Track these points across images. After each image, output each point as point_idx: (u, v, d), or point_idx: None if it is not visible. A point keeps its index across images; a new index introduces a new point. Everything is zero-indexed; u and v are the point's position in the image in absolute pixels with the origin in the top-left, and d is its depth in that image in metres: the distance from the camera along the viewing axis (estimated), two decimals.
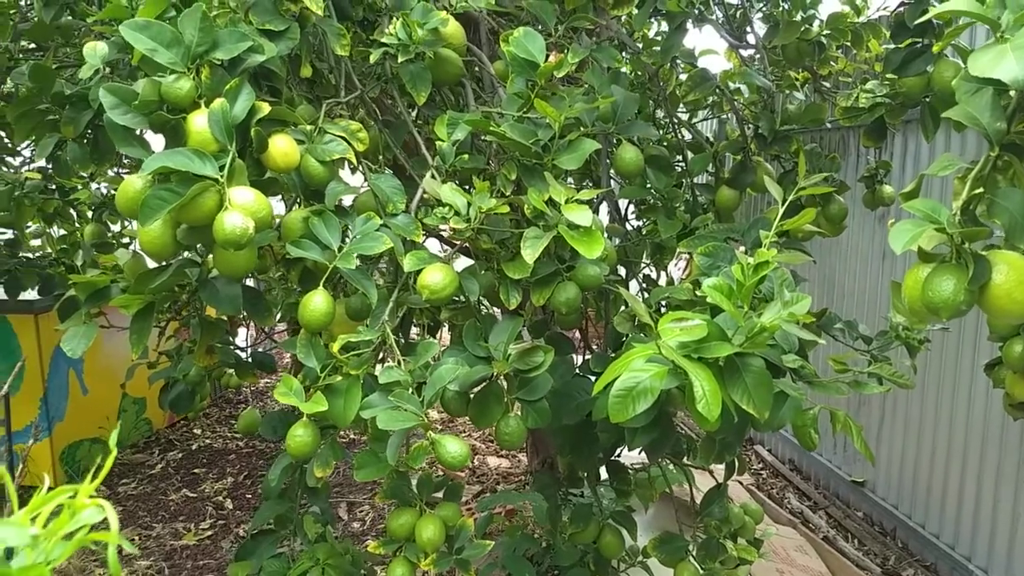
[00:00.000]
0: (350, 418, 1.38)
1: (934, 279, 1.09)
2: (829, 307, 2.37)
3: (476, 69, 2.00)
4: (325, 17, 1.57)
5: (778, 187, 1.49)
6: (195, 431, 5.33)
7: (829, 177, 2.20)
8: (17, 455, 4.25)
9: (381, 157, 1.76)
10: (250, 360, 2.42)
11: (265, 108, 1.36)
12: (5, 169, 3.31)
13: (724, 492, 2.09)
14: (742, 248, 1.68)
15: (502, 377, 1.48)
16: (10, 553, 0.51)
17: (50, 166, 2.49)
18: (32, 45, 2.78)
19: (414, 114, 2.33)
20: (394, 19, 1.57)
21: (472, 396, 1.50)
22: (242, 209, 1.30)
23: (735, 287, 1.22)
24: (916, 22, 1.78)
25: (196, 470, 4.74)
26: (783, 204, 1.44)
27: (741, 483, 4.41)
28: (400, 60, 1.49)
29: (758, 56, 2.55)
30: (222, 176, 1.29)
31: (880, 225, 4.00)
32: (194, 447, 5.08)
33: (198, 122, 1.30)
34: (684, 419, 4.11)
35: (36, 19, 2.34)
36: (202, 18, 1.30)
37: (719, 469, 2.25)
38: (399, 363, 1.43)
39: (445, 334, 2.35)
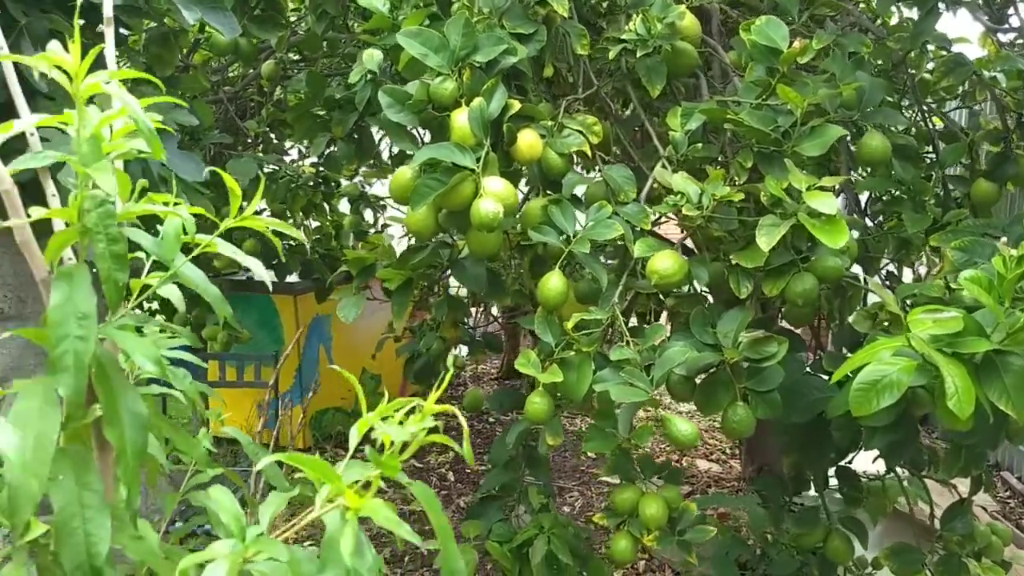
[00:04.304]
0: (582, 391, 1.48)
1: None
2: None
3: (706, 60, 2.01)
4: (567, 19, 1.67)
5: None
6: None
7: None
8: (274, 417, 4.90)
9: (616, 149, 1.84)
10: (480, 340, 2.63)
11: (516, 106, 1.49)
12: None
13: (968, 507, 1.93)
14: (1003, 239, 1.54)
15: (729, 366, 1.49)
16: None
17: (320, 162, 2.88)
18: (295, 56, 3.20)
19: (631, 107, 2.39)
20: (633, 16, 1.64)
21: (699, 383, 1.53)
22: (494, 196, 1.44)
23: (995, 280, 1.14)
24: None
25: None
26: None
27: (985, 509, 3.96)
28: (639, 55, 1.55)
29: (1020, 40, 2.29)
30: (478, 167, 1.44)
31: None
32: None
33: (460, 119, 1.46)
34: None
35: (308, 31, 2.67)
36: (465, 24, 1.46)
37: (961, 486, 2.07)
38: (627, 343, 1.50)
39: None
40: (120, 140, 0.77)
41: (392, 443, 0.69)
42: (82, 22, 0.85)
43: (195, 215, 0.82)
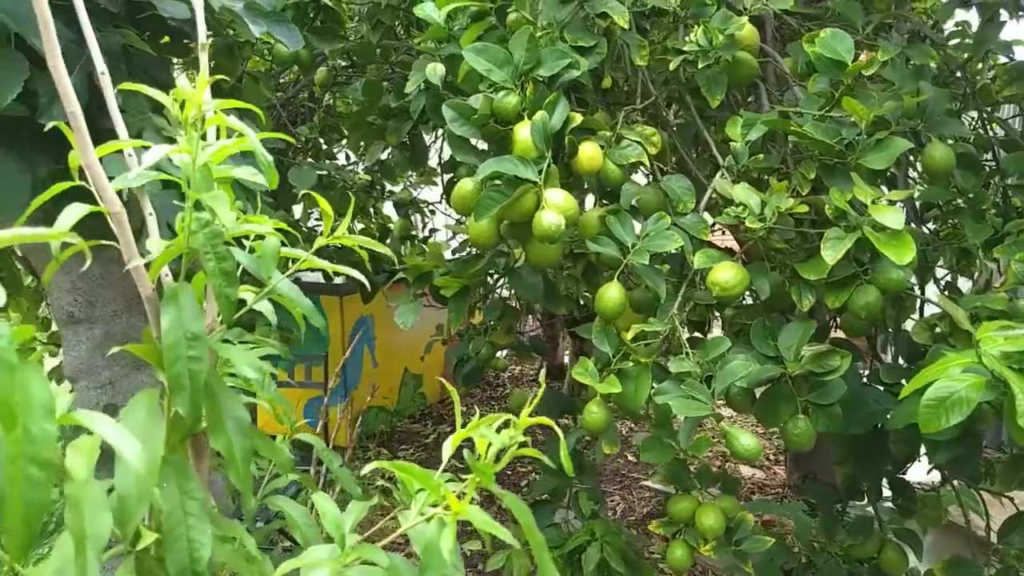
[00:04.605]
0: (640, 401, 1.49)
1: None
2: None
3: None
4: (627, 31, 1.69)
5: None
6: (461, 408, 5.86)
7: None
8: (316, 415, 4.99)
9: (675, 159, 1.84)
10: (527, 344, 2.66)
11: (578, 118, 1.51)
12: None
13: None
14: None
15: (790, 378, 1.50)
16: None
17: (374, 168, 2.92)
18: (343, 62, 3.25)
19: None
20: (693, 26, 1.65)
21: (759, 394, 1.53)
22: (555, 208, 1.46)
23: None
24: None
25: (463, 444, 5.21)
26: None
27: None
28: (700, 66, 1.56)
29: None
30: (540, 179, 1.46)
31: None
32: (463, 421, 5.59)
33: (522, 132, 1.49)
34: None
35: (363, 40, 2.72)
36: (529, 39, 1.48)
37: (1019, 499, 2.03)
38: (687, 355, 1.51)
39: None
40: (222, 166, 0.81)
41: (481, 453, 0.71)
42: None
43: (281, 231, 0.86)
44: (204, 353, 0.77)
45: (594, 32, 1.61)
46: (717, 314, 1.96)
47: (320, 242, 0.87)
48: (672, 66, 1.60)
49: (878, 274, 1.49)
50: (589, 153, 1.54)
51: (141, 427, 0.77)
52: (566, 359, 6.04)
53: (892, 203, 1.35)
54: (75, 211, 0.81)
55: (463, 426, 0.82)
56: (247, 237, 0.90)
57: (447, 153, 2.89)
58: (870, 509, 2.17)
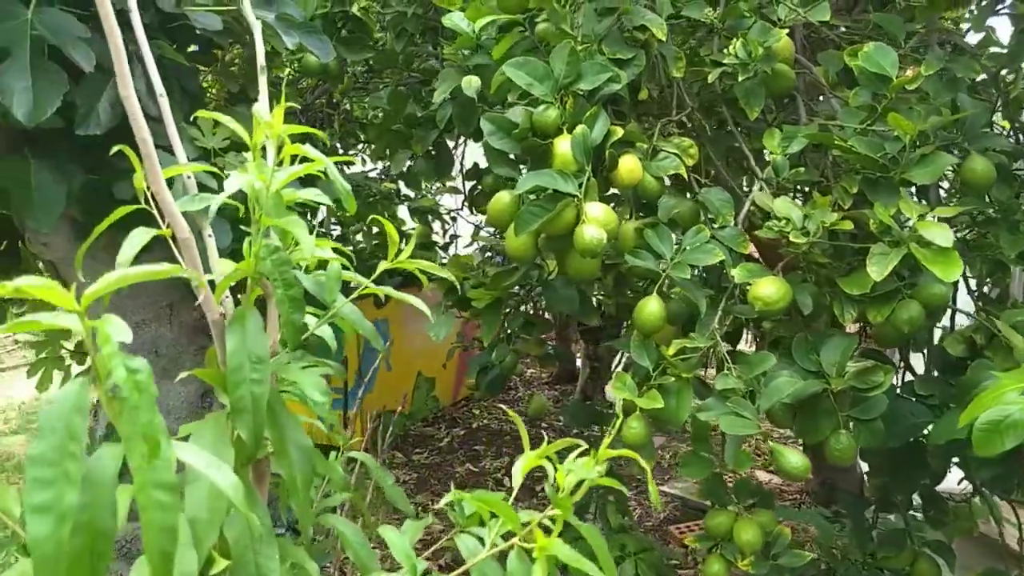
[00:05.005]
0: (683, 417, 1.48)
1: None
2: None
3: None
4: (663, 43, 1.68)
5: None
6: (474, 411, 5.85)
7: None
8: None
9: (707, 171, 1.84)
10: (552, 352, 2.66)
11: (619, 132, 1.50)
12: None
13: None
14: None
15: (832, 394, 1.48)
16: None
17: (397, 176, 2.92)
18: (361, 68, 3.24)
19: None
20: (730, 38, 1.64)
21: (800, 409, 1.52)
22: (596, 221, 1.45)
23: None
24: None
25: (477, 447, 5.21)
26: None
27: None
28: (740, 79, 1.55)
29: None
30: (580, 193, 1.46)
31: None
32: (474, 426, 5.58)
33: (562, 146, 1.48)
34: None
35: (385, 47, 2.71)
36: (570, 53, 1.47)
37: None
38: (728, 369, 1.50)
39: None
40: (289, 190, 0.81)
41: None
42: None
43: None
44: (267, 376, 0.77)
45: (632, 45, 1.60)
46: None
47: (383, 266, 0.87)
48: (711, 78, 1.59)
49: (920, 288, 1.48)
50: (629, 166, 1.53)
51: (210, 451, 0.76)
52: (578, 363, 6.04)
53: (941, 220, 1.33)
54: (140, 236, 0.81)
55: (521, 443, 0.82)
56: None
57: (469, 161, 2.88)
58: (891, 518, 2.16)
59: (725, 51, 1.60)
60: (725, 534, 1.61)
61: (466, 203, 2.73)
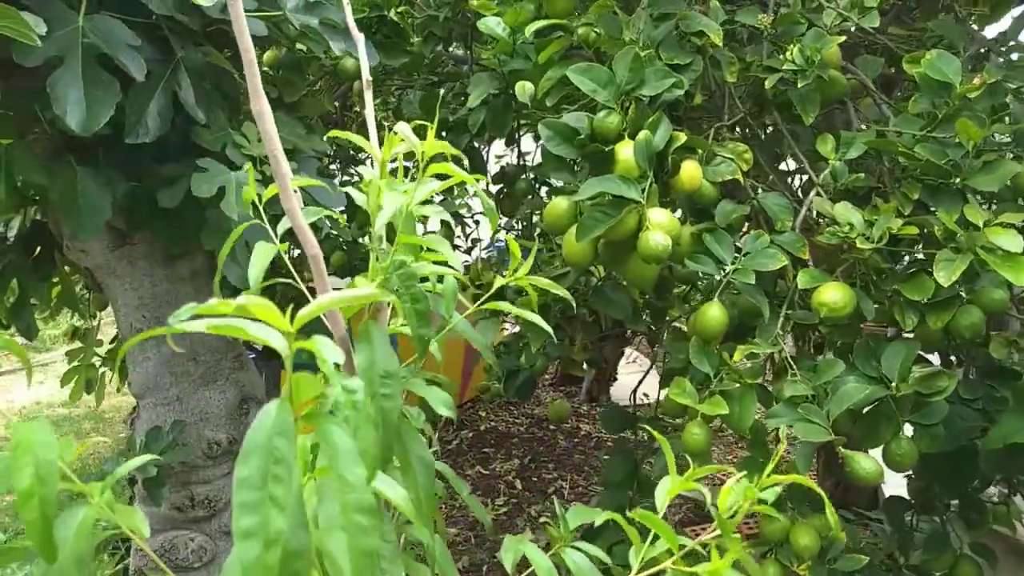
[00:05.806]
0: (747, 423, 1.48)
1: None
2: None
3: None
4: (718, 48, 1.68)
5: None
6: (480, 413, 5.84)
7: None
8: None
9: (757, 175, 1.84)
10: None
11: (681, 138, 1.50)
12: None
13: None
14: None
15: (893, 399, 1.49)
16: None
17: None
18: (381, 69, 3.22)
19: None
20: (784, 45, 1.64)
21: (860, 414, 1.53)
22: (661, 227, 1.45)
23: None
24: None
25: (486, 449, 5.20)
26: None
27: None
28: (799, 85, 1.56)
29: None
30: (643, 199, 1.45)
31: None
32: (482, 428, 5.57)
33: (624, 152, 1.48)
34: None
35: (414, 50, 2.69)
36: (633, 59, 1.47)
37: None
38: (791, 375, 1.50)
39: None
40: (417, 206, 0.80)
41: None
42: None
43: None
44: (398, 391, 0.76)
45: (689, 50, 1.60)
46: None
47: (500, 282, 0.86)
48: (768, 84, 1.59)
49: (979, 294, 1.49)
50: (690, 172, 1.53)
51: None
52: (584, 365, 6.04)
53: (1009, 226, 1.34)
54: (265, 252, 0.80)
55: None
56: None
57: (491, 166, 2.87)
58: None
59: (781, 57, 1.61)
60: (781, 539, 1.62)
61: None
